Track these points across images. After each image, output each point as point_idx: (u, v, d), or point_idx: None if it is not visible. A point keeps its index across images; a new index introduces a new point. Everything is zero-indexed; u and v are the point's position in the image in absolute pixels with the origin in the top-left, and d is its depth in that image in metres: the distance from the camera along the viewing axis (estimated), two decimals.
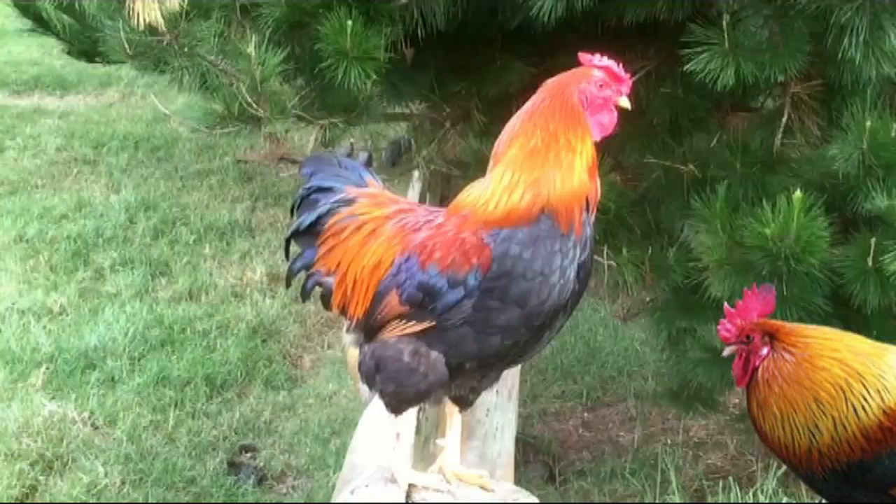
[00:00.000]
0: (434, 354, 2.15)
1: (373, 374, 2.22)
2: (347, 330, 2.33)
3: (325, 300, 2.34)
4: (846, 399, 2.36)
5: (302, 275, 2.40)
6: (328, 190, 2.40)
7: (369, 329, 2.23)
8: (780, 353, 2.44)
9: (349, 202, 2.35)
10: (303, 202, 2.43)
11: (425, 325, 2.14)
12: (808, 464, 2.40)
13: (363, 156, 6.88)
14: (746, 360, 2.48)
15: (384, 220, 2.29)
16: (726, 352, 2.54)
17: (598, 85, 2.19)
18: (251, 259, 6.85)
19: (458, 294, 2.10)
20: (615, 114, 2.21)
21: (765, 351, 2.45)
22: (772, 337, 2.46)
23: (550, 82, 2.24)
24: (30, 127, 9.16)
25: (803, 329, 2.49)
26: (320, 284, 2.34)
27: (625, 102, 2.21)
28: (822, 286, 3.24)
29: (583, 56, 2.24)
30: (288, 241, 2.44)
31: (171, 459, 4.64)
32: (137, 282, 6.34)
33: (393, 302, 2.17)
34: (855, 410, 2.35)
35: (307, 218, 2.37)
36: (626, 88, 2.21)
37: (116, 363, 5.36)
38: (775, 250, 3.01)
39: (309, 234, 2.37)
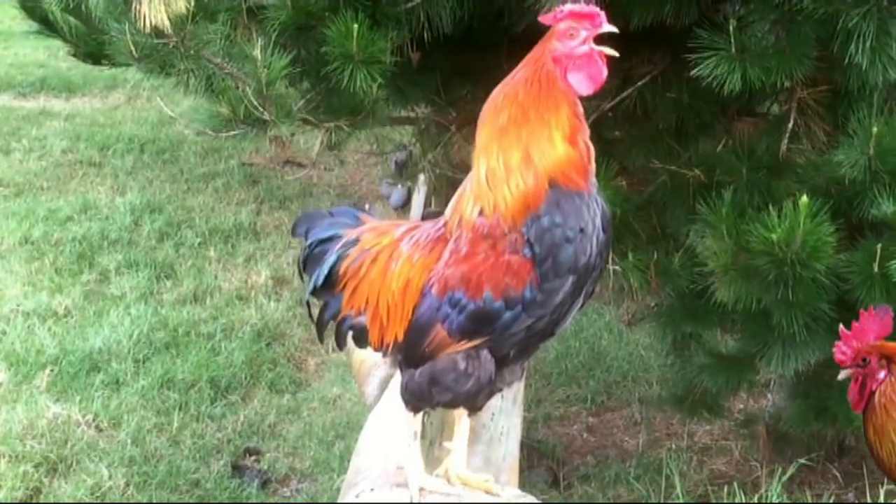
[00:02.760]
0: (484, 353, 2.14)
1: (426, 389, 2.18)
2: (385, 356, 2.30)
3: (362, 340, 2.30)
4: None
5: (333, 325, 2.37)
6: (329, 240, 2.38)
7: (415, 359, 2.20)
8: None
9: (354, 242, 2.33)
10: (308, 260, 2.40)
11: (481, 340, 2.13)
12: None
13: (400, 156, 6.89)
14: (863, 385, 2.45)
15: (395, 244, 2.27)
16: (842, 375, 2.49)
17: (567, 36, 2.11)
18: (256, 262, 6.85)
19: (516, 312, 2.08)
20: (601, 62, 2.12)
21: (882, 374, 2.42)
22: (889, 360, 2.41)
23: (529, 55, 2.19)
24: (35, 129, 9.18)
25: None
26: (353, 327, 2.31)
27: (607, 28, 2.11)
28: (827, 292, 3.24)
29: (542, 18, 2.17)
30: (308, 302, 2.43)
31: (176, 462, 4.64)
32: (142, 284, 6.34)
33: (440, 336, 2.14)
34: None
35: (320, 272, 2.34)
36: (599, 21, 2.11)
37: (121, 365, 5.36)
38: (781, 255, 3.01)
39: (326, 285, 2.34)
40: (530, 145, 2.08)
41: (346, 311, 2.31)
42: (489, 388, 2.20)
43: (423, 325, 2.16)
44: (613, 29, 2.11)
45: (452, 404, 2.22)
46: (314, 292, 2.37)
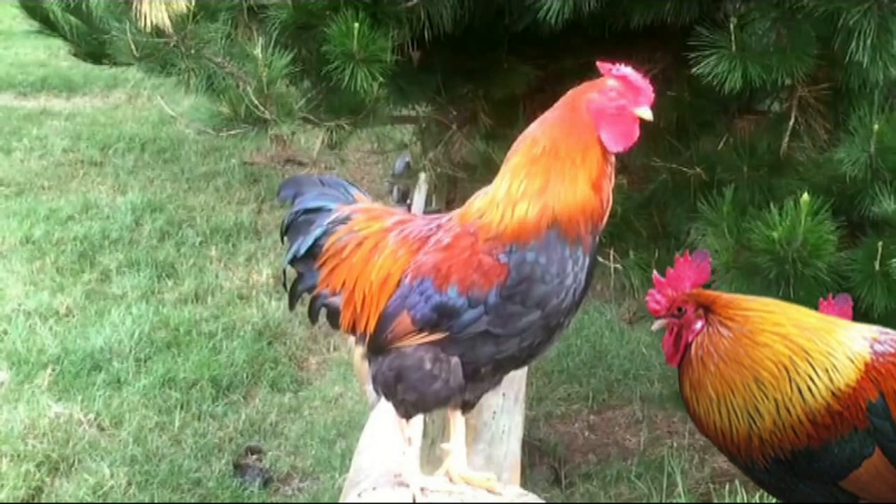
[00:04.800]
0: (454, 360, 2.14)
1: (392, 384, 2.20)
2: (356, 343, 2.31)
3: (334, 320, 2.30)
4: (790, 379, 2.14)
5: (306, 297, 2.36)
6: (317, 210, 2.35)
7: (377, 346, 2.21)
8: (715, 327, 2.21)
9: (344, 220, 2.31)
10: (291, 227, 2.38)
11: (438, 336, 2.13)
12: (748, 452, 2.20)
13: (402, 162, 6.89)
14: (678, 336, 2.26)
15: (384, 233, 2.25)
16: (656, 325, 2.32)
17: (609, 95, 2.14)
18: (257, 261, 6.85)
19: (477, 312, 2.09)
20: (635, 124, 2.14)
21: (699, 325, 2.23)
22: (707, 309, 2.24)
23: (569, 92, 2.21)
24: (36, 128, 9.18)
25: (742, 300, 2.26)
26: (326, 305, 2.30)
27: (643, 113, 2.15)
28: (829, 289, 3.23)
29: (601, 65, 2.18)
30: (285, 270, 2.41)
31: (177, 461, 4.64)
32: (143, 283, 6.34)
33: (404, 323, 2.15)
34: (800, 392, 2.13)
35: (303, 242, 2.31)
36: (645, 98, 2.15)
37: (122, 365, 5.36)
38: (782, 253, 3.01)
39: (307, 257, 2.32)
40: (552, 180, 2.09)
41: (321, 289, 2.30)
42: (460, 396, 2.21)
43: (392, 312, 2.17)
44: (649, 116, 2.12)
45: (422, 405, 2.22)
46: (293, 261, 2.36)
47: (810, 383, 2.13)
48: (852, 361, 2.17)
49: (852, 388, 2.15)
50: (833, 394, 2.13)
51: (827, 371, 2.14)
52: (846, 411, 2.14)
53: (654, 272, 2.35)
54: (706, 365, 2.21)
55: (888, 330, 2.27)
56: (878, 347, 2.20)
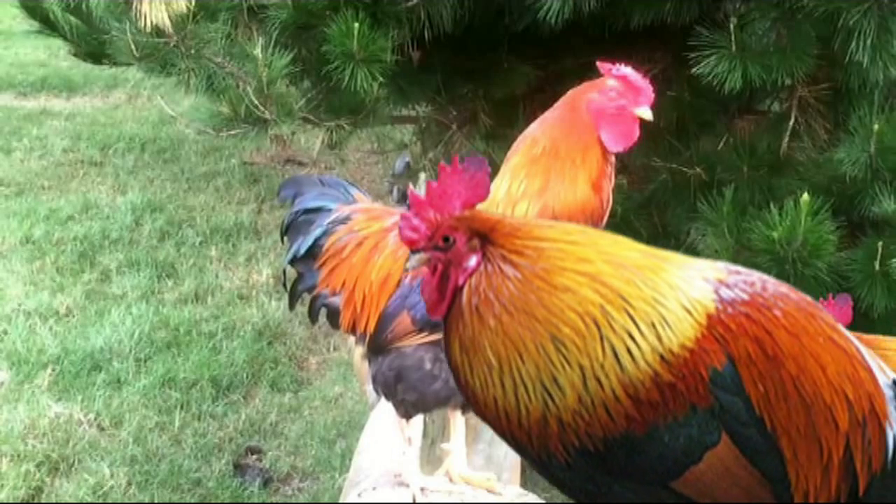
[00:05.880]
0: None
1: (392, 384, 2.20)
2: (356, 343, 2.31)
3: (334, 320, 2.31)
4: (602, 338, 1.52)
5: (306, 297, 2.36)
6: (317, 210, 2.36)
7: (377, 346, 2.21)
8: (497, 264, 1.57)
9: (344, 220, 2.32)
10: (291, 227, 2.39)
11: (439, 336, 2.12)
12: (543, 440, 1.56)
13: (402, 162, 6.89)
14: (444, 277, 1.62)
15: (384, 233, 2.26)
16: (412, 262, 1.66)
17: (609, 95, 2.14)
18: (257, 261, 6.84)
19: None
20: (635, 124, 2.15)
21: (473, 261, 1.59)
22: (484, 239, 1.59)
23: (569, 92, 2.21)
24: (36, 128, 9.17)
25: (534, 228, 1.62)
26: (326, 305, 2.31)
27: (643, 113, 2.15)
28: (829, 289, 3.23)
29: (601, 65, 2.18)
30: (285, 269, 2.41)
31: (177, 461, 4.63)
32: (143, 283, 6.34)
33: (404, 323, 2.15)
34: (616, 356, 1.51)
35: (303, 242, 2.32)
36: (645, 98, 2.15)
37: (122, 365, 5.36)
38: (782, 253, 3.01)
39: (307, 257, 2.33)
40: (552, 180, 2.09)
41: (321, 289, 2.31)
42: (460, 396, 2.20)
43: (392, 312, 2.18)
44: (649, 116, 2.12)
45: (422, 405, 2.22)
46: (293, 261, 2.36)
47: (630, 343, 1.52)
48: (690, 313, 1.56)
49: (689, 350, 1.54)
50: (662, 358, 1.52)
51: (653, 326, 1.54)
52: (681, 383, 1.53)
53: (410, 189, 1.77)
54: (483, 319, 1.57)
55: (739, 268, 1.69)
56: (727, 293, 1.61)
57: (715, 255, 3.26)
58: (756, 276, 1.69)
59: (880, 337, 2.23)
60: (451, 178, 1.67)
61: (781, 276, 3.05)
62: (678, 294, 1.58)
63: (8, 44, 11.84)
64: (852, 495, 1.62)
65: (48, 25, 5.54)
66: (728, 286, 1.63)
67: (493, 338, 1.56)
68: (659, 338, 1.54)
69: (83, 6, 4.83)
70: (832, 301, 2.39)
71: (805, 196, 2.94)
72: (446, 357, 1.65)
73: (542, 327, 1.54)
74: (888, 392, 1.67)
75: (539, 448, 1.58)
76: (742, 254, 3.18)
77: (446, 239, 1.63)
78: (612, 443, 1.54)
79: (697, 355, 1.55)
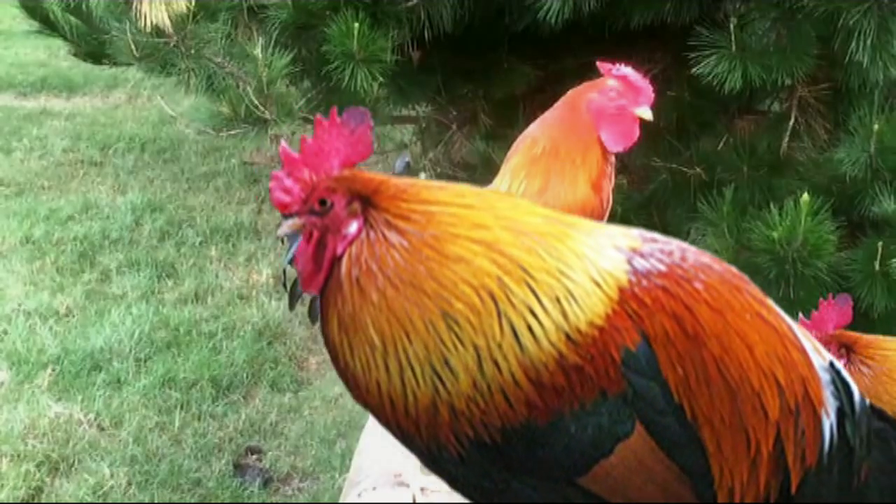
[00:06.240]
0: None
1: None
2: None
3: None
4: (499, 314, 1.34)
5: (306, 297, 2.35)
6: None
7: None
8: (380, 231, 1.40)
9: None
10: None
11: None
12: (433, 431, 1.38)
13: (402, 162, 6.88)
14: (320, 245, 1.45)
15: None
16: (283, 229, 1.47)
17: (609, 95, 2.15)
18: (257, 261, 6.84)
19: None
20: (635, 124, 2.15)
21: (353, 228, 1.41)
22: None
23: (569, 92, 2.21)
24: (36, 128, 9.17)
25: (422, 190, 1.44)
26: None
27: (643, 113, 2.15)
28: (829, 289, 3.23)
29: (601, 65, 2.18)
30: (285, 270, 2.41)
31: (177, 461, 4.63)
32: (143, 284, 6.33)
33: None
34: (515, 335, 1.33)
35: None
36: (645, 98, 2.16)
37: (122, 365, 5.36)
38: (782, 253, 3.01)
39: None
40: (552, 180, 2.09)
41: None
42: None
43: None
44: (649, 116, 2.12)
45: None
46: (293, 261, 2.35)
47: (531, 321, 1.34)
48: (599, 286, 1.39)
49: (599, 328, 1.36)
50: (568, 338, 1.35)
51: (558, 301, 1.35)
52: (589, 366, 1.35)
53: (282, 143, 1.52)
54: (366, 292, 1.39)
55: (656, 235, 1.55)
56: (641, 264, 1.45)
57: (715, 254, 3.25)
58: (675, 244, 1.53)
59: (880, 337, 2.23)
60: (328, 133, 1.49)
61: (781, 276, 3.05)
62: (586, 265, 1.40)
63: (8, 44, 11.84)
64: (783, 493, 1.45)
65: (48, 25, 5.54)
66: (643, 256, 1.47)
67: (377, 314, 1.38)
68: (564, 314, 1.36)
69: (83, 6, 4.83)
70: (832, 301, 2.38)
71: (805, 196, 2.94)
72: (323, 336, 1.47)
73: (431, 302, 1.36)
74: (824, 376, 1.52)
75: (428, 439, 1.40)
76: (742, 254, 3.18)
77: (323, 202, 1.44)
78: (510, 433, 1.36)
79: (608, 334, 1.37)
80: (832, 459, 1.48)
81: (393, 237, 1.39)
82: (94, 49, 5.20)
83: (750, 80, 3.13)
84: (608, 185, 2.14)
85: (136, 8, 3.23)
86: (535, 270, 1.37)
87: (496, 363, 1.34)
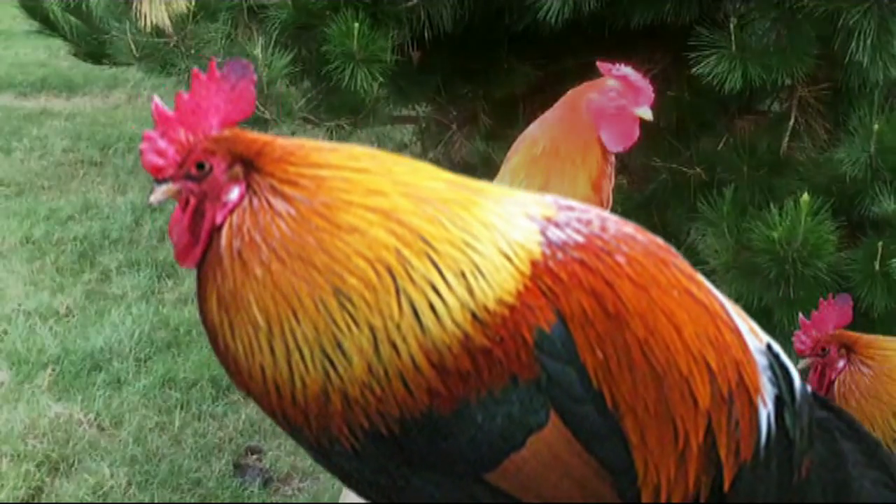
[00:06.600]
0: None
1: None
2: None
3: None
4: (398, 290, 1.22)
5: None
6: None
7: None
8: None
9: None
10: None
11: None
12: (323, 421, 1.26)
13: None
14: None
15: None
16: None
17: (609, 95, 2.14)
18: None
19: None
20: (635, 124, 2.15)
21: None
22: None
23: (569, 92, 2.21)
24: (36, 128, 9.17)
25: (311, 152, 1.33)
26: None
27: (643, 113, 2.15)
28: (829, 289, 3.23)
29: (601, 65, 2.19)
30: None
31: (177, 461, 4.63)
32: (143, 284, 6.33)
33: None
34: (416, 313, 1.21)
35: None
36: (645, 98, 2.16)
37: (122, 365, 5.36)
38: (782, 253, 3.00)
39: None
40: (551, 180, 2.10)
41: None
42: None
43: None
44: (649, 116, 2.12)
45: None
46: None
47: (433, 298, 1.21)
48: (510, 259, 1.26)
49: (509, 306, 1.24)
50: (474, 317, 1.22)
51: (463, 276, 1.22)
52: (498, 348, 1.22)
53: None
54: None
55: (573, 202, 1.43)
56: (556, 234, 1.31)
57: (715, 254, 3.26)
58: (594, 212, 1.39)
59: (880, 337, 2.25)
60: (206, 88, 1.34)
61: (781, 276, 3.05)
62: (495, 235, 1.26)
63: (8, 44, 11.84)
64: (715, 490, 1.34)
65: (48, 25, 5.54)
66: (558, 225, 1.32)
67: (261, 291, 1.24)
68: (470, 291, 1.22)
69: (83, 6, 4.83)
70: (832, 301, 2.39)
71: (805, 196, 2.93)
72: (201, 315, 1.37)
73: (322, 278, 1.21)
74: (761, 360, 1.42)
75: (318, 431, 1.25)
76: (742, 254, 3.18)
77: (201, 166, 1.33)
78: (410, 424, 1.22)
79: (519, 313, 1.24)
80: (770, 453, 1.37)
81: (279, 205, 1.26)
82: (94, 49, 5.20)
83: (750, 80, 3.13)
84: (608, 185, 2.14)
85: (136, 8, 3.22)
86: (438, 242, 1.23)
87: (394, 345, 1.20)
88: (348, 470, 1.29)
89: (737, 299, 3.23)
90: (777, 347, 1.44)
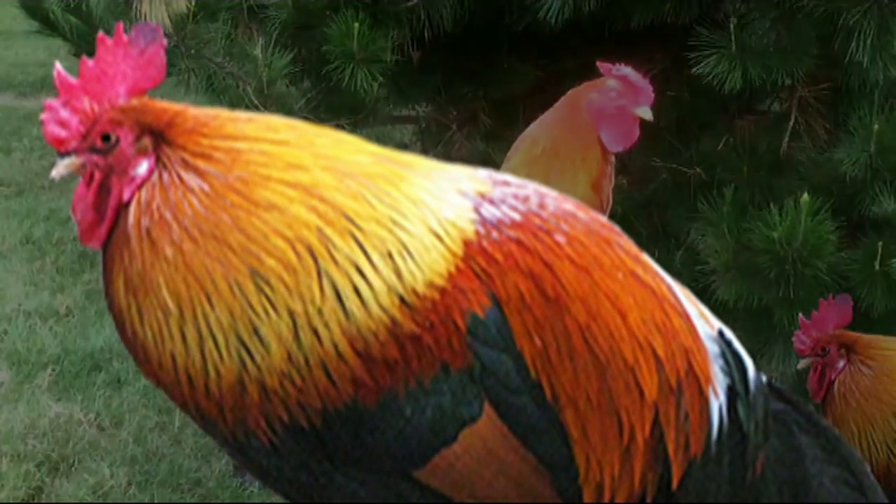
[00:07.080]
0: None
1: None
2: None
3: None
4: (319, 272, 1.12)
5: None
6: None
7: None
8: (176, 172, 1.20)
9: None
10: None
11: None
12: (240, 413, 1.15)
13: None
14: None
15: None
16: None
17: (609, 95, 2.14)
18: None
19: None
20: (635, 124, 2.15)
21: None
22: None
23: (569, 92, 2.21)
24: (36, 128, 9.14)
25: (226, 123, 1.30)
26: None
27: (643, 113, 2.15)
28: (829, 289, 3.23)
29: (601, 65, 2.19)
30: None
31: (177, 461, 4.63)
32: None
33: None
34: (338, 297, 1.14)
35: None
36: (645, 98, 2.15)
37: (122, 365, 5.35)
38: (782, 254, 3.00)
39: None
40: (551, 180, 2.10)
41: None
42: None
43: None
44: (649, 116, 2.12)
45: None
46: None
47: (358, 281, 1.14)
48: (440, 239, 1.19)
49: (440, 289, 1.16)
50: (402, 301, 1.15)
51: (390, 257, 1.15)
52: (427, 335, 1.15)
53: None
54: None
55: (508, 177, 1.36)
56: (491, 212, 1.24)
57: (715, 254, 3.26)
58: (532, 188, 1.30)
59: (880, 337, 2.26)
60: (112, 54, 1.29)
61: (781, 276, 3.05)
62: (424, 213, 1.17)
63: (8, 44, 11.84)
64: (663, 488, 1.26)
65: (48, 25, 5.53)
66: (493, 202, 1.24)
67: (172, 273, 1.15)
68: (398, 273, 1.14)
69: (83, 6, 4.82)
70: (832, 301, 2.39)
71: (805, 196, 2.93)
72: (106, 299, 1.28)
73: (237, 259, 1.13)
74: (712, 347, 1.33)
75: (234, 424, 1.17)
76: (742, 254, 3.18)
77: (106, 138, 1.24)
78: (333, 417, 1.14)
79: (450, 297, 1.16)
80: (722, 448, 1.29)
81: (191, 180, 1.17)
82: (94, 49, 5.19)
83: (750, 80, 3.13)
84: (608, 185, 2.14)
85: (136, 8, 3.23)
86: (363, 220, 1.14)
87: (316, 332, 1.12)
88: (266, 467, 1.21)
89: (737, 299, 3.25)
90: (729, 334, 1.34)
